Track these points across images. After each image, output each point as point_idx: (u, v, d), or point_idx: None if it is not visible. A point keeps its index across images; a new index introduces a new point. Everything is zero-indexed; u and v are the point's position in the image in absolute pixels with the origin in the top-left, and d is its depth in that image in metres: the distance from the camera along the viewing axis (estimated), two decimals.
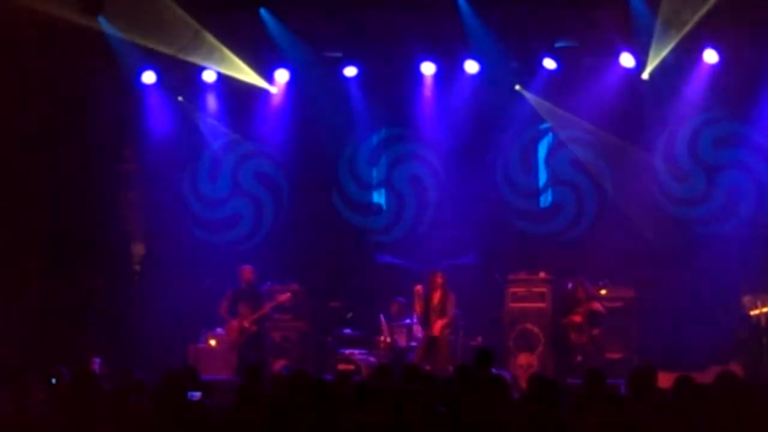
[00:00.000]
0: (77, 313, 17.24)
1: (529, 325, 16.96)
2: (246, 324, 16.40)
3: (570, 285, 16.65)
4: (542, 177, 18.60)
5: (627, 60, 17.06)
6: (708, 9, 15.81)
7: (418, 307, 16.27)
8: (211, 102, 18.51)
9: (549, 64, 17.45)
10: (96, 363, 14.75)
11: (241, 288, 16.61)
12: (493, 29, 16.91)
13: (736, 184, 17.46)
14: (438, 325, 16.03)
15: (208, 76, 18.11)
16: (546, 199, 18.62)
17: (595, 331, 16.22)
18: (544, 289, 17.10)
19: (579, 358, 16.17)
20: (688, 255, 17.04)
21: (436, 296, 16.17)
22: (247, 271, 16.60)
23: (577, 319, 16.32)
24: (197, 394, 9.80)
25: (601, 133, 17.75)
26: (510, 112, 18.04)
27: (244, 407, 8.58)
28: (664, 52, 16.65)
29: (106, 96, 17.69)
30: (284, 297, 16.78)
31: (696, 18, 16.00)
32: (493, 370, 11.13)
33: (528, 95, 17.90)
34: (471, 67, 17.69)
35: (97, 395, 9.00)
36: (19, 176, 16.90)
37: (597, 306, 16.36)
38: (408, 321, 16.89)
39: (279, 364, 16.61)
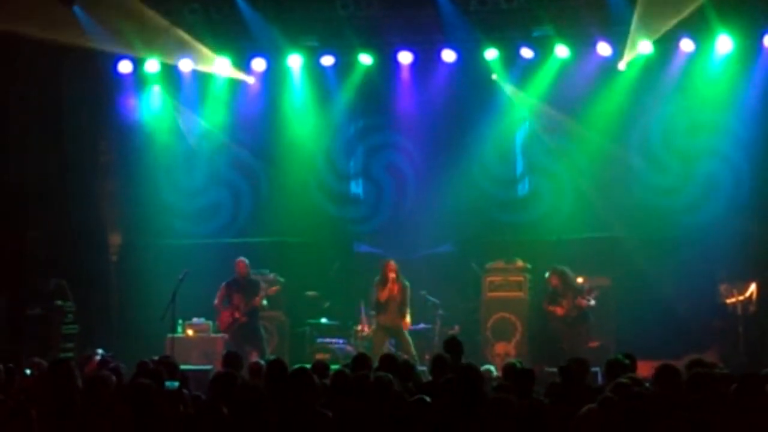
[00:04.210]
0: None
1: (506, 314, 17.00)
2: (237, 314, 16.55)
3: (546, 274, 16.59)
4: (519, 165, 18.64)
5: (604, 49, 17.08)
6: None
7: (385, 293, 16.08)
8: (188, 91, 18.46)
9: (526, 53, 17.46)
10: (98, 354, 14.72)
11: (236, 279, 16.73)
12: (469, 18, 16.88)
13: (713, 173, 17.47)
14: (406, 322, 15.99)
15: (185, 66, 18.07)
16: (523, 188, 18.66)
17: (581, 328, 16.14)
18: (521, 278, 17.15)
19: (560, 346, 16.07)
20: (665, 244, 17.06)
21: (395, 287, 16.05)
22: (242, 264, 16.72)
23: (560, 311, 16.19)
24: (175, 384, 9.79)
25: (573, 122, 17.77)
26: (487, 101, 18.03)
27: (221, 395, 8.56)
28: (641, 42, 16.69)
29: (83, 86, 17.59)
30: (274, 289, 16.95)
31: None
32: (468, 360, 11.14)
33: (505, 84, 17.91)
34: (448, 56, 17.68)
35: (72, 386, 8.95)
36: None
37: (582, 302, 16.25)
38: None
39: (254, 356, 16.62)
